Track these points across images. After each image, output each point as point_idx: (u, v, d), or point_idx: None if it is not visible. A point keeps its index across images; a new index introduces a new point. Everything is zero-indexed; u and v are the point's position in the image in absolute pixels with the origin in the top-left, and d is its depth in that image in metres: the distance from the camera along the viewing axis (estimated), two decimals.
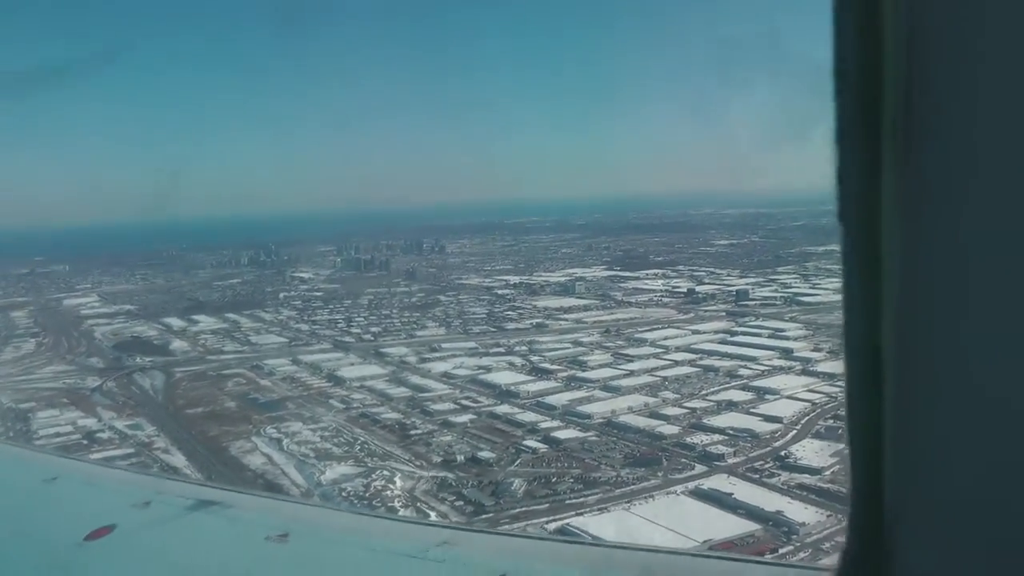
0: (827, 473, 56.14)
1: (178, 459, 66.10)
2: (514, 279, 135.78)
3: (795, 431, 63.52)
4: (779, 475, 56.91)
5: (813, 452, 59.25)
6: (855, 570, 1.57)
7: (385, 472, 60.53)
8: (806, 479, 55.78)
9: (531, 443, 64.14)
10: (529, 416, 70.01)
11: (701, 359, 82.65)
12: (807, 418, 65.81)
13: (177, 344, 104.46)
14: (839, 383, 72.40)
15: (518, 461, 61.45)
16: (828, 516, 50.39)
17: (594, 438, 64.54)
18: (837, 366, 77.11)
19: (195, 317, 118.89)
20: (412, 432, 68.58)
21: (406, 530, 4.69)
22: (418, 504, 55.58)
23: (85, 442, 68.64)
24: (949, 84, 1.21)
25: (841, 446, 60.20)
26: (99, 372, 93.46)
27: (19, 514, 5.14)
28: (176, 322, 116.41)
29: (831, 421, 65.19)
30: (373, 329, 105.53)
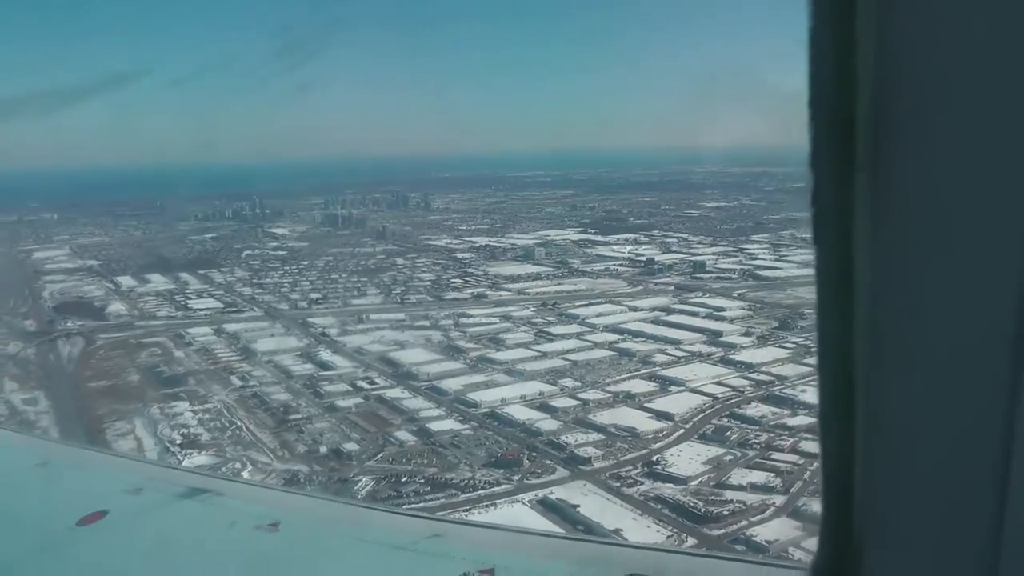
0: (692, 484, 52.25)
1: None
2: (483, 241, 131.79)
3: (682, 431, 59.52)
4: (640, 484, 52.98)
5: (688, 458, 55.29)
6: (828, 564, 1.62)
7: (237, 464, 57.60)
8: (667, 491, 51.84)
9: (402, 435, 60.77)
10: (416, 403, 66.64)
11: (622, 341, 78.57)
12: (701, 416, 61.82)
13: (115, 307, 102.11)
14: (751, 375, 69.12)
15: (379, 455, 58.14)
16: (668, 537, 46.60)
17: (468, 431, 61.02)
18: (758, 354, 73.23)
19: (149, 276, 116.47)
20: (292, 417, 65.51)
21: (397, 522, 4.69)
22: None
23: None
24: (918, 111, 1.28)
25: (722, 451, 56.49)
26: (26, 337, 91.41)
27: (10, 499, 5.14)
28: (128, 281, 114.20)
29: (725, 420, 61.45)
30: (313, 295, 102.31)
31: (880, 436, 1.43)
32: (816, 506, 1.59)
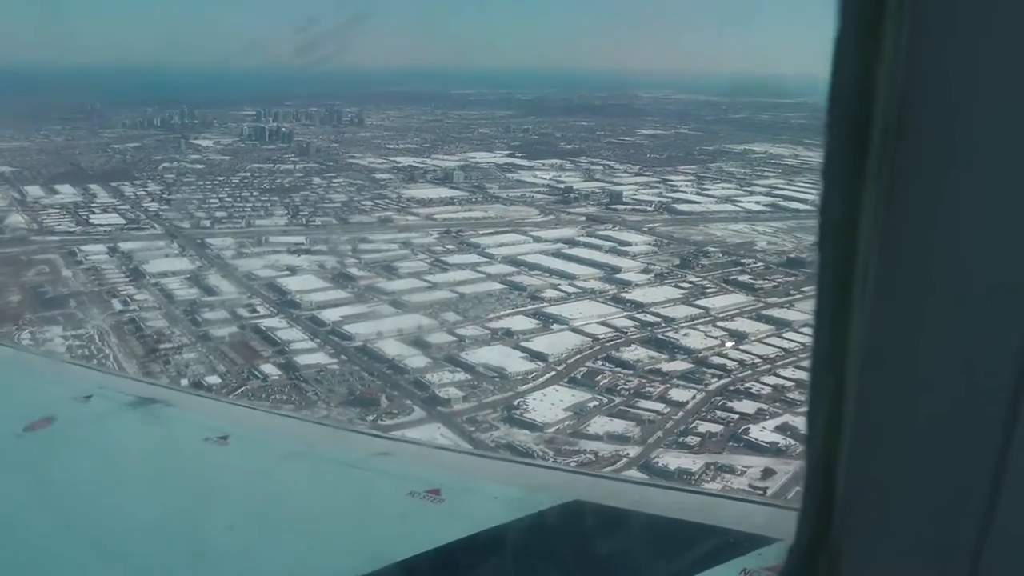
0: (548, 431, 51.06)
1: None
2: (406, 161, 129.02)
3: (552, 374, 58.20)
4: (495, 430, 51.77)
5: (551, 403, 53.90)
6: (806, 555, 1.62)
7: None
8: (521, 437, 50.64)
9: (268, 368, 59.05)
10: (291, 333, 64.76)
11: (517, 274, 76.94)
12: (576, 358, 60.49)
13: (14, 219, 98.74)
14: (639, 315, 67.83)
15: (240, 389, 56.34)
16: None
17: (335, 366, 59.34)
18: (651, 293, 72.02)
19: (58, 187, 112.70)
20: (162, 346, 63.49)
21: (346, 439, 4.82)
22: None
23: None
24: (938, 126, 1.26)
25: (588, 396, 55.22)
26: None
27: None
28: (36, 191, 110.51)
29: (599, 363, 60.18)
30: (218, 214, 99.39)
31: (869, 429, 1.42)
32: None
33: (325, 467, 4.23)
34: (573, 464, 46.84)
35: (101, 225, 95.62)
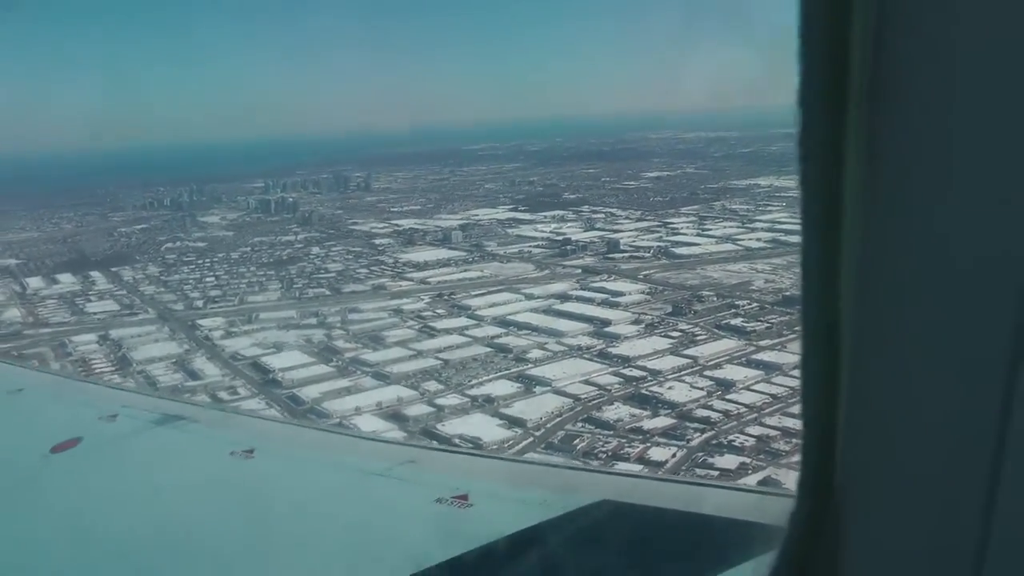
0: None
1: None
2: (409, 224, 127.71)
3: (530, 440, 56.09)
4: None
5: None
6: (804, 534, 1.61)
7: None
8: None
9: None
10: (268, 415, 63.18)
11: (504, 335, 75.08)
12: (555, 422, 58.46)
13: (12, 313, 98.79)
14: (624, 370, 65.64)
15: None
16: None
17: None
18: (638, 346, 69.87)
19: (59, 276, 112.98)
20: None
21: (372, 448, 4.87)
22: None
23: None
24: (922, 38, 1.19)
25: (567, 459, 53.05)
26: None
27: None
28: (37, 283, 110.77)
29: (580, 425, 58.07)
30: (212, 293, 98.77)
31: (866, 407, 1.38)
32: None
33: (352, 477, 4.23)
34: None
35: (95, 313, 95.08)
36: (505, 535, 3.50)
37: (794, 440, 52.07)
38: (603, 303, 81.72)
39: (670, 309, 77.93)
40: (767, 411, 56.50)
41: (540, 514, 3.59)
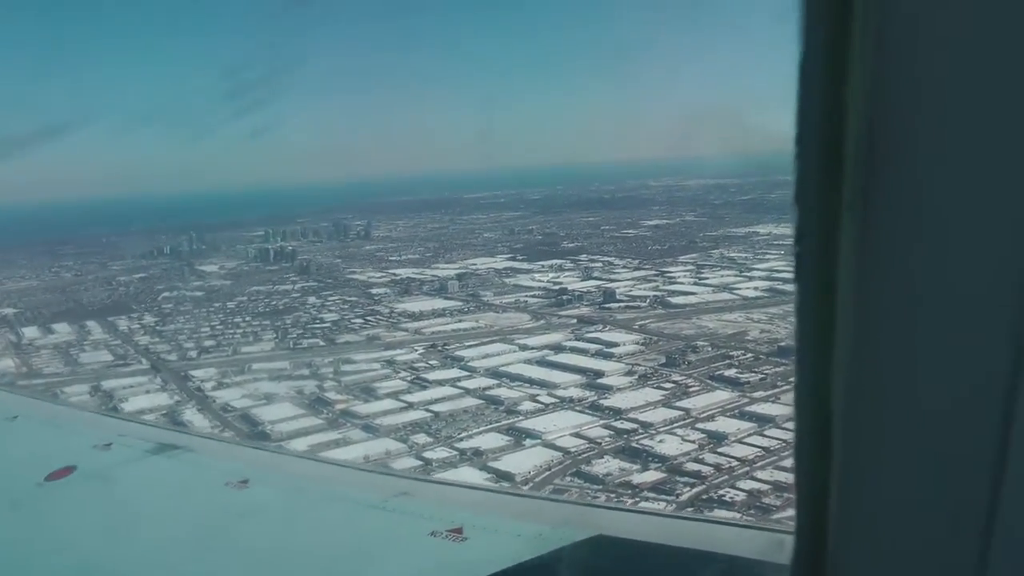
0: None
1: None
2: (406, 273, 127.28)
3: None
4: None
5: None
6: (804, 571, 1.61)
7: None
8: None
9: None
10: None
11: (496, 387, 74.46)
12: (543, 476, 57.75)
13: (6, 364, 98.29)
14: (615, 422, 64.83)
15: None
16: None
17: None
18: (631, 398, 69.11)
19: (55, 326, 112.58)
20: None
21: (366, 479, 4.88)
22: None
23: None
24: (912, 146, 1.23)
25: None
26: None
27: None
28: (33, 333, 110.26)
29: (568, 479, 57.29)
30: (206, 343, 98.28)
31: (858, 447, 1.38)
32: None
33: (346, 508, 4.21)
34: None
35: (88, 364, 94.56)
36: (500, 569, 3.46)
37: (785, 495, 51.26)
38: (597, 354, 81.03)
39: (664, 360, 77.28)
40: (758, 464, 55.63)
41: (535, 548, 3.58)
